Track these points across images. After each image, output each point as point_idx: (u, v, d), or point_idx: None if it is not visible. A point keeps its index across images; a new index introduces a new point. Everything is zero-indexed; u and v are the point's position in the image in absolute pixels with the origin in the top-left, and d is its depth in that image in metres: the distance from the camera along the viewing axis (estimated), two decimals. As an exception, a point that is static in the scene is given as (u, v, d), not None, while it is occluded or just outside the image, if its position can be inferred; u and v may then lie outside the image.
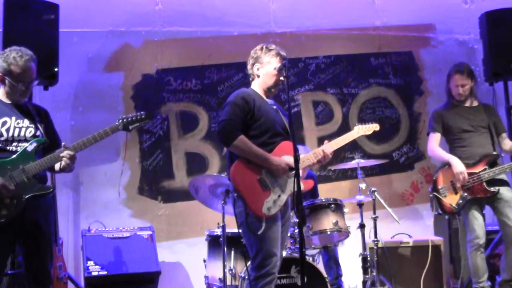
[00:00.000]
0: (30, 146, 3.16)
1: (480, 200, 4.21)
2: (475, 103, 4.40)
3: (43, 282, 3.22)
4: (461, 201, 4.22)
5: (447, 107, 4.44)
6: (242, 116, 3.29)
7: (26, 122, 3.23)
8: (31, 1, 4.61)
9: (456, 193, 4.24)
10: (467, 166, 4.21)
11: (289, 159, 3.27)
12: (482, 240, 4.17)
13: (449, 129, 4.38)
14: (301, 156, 3.38)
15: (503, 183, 4.22)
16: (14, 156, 3.12)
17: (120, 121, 3.30)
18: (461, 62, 4.56)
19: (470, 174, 4.20)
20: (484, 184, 4.16)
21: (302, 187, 3.34)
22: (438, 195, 4.28)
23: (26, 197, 3.09)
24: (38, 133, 3.23)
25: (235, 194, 3.29)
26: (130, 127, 3.32)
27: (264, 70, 3.42)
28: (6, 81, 3.20)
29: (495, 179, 4.19)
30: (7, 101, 3.25)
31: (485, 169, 4.18)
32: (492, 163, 4.21)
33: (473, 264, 4.20)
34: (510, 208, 4.13)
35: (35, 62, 3.26)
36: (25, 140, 3.19)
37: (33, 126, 3.23)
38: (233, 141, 3.23)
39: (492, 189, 4.15)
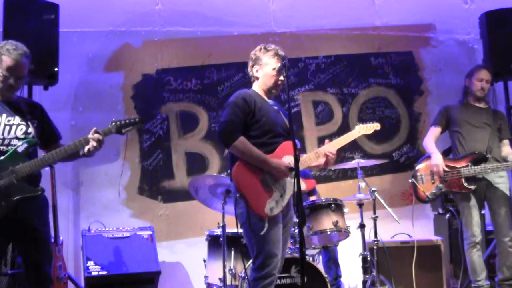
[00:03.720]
0: (21, 147, 3.12)
1: (477, 197, 4.27)
2: (486, 106, 4.49)
3: (42, 283, 3.20)
4: (434, 191, 4.37)
5: (459, 104, 4.52)
6: (243, 117, 3.27)
7: (17, 120, 3.18)
8: (31, 1, 4.61)
9: (433, 183, 4.37)
10: (451, 160, 4.33)
11: (290, 160, 3.25)
12: (478, 238, 4.24)
13: (453, 120, 4.46)
14: (302, 156, 3.38)
15: (502, 181, 4.26)
16: (3, 156, 3.08)
17: (113, 124, 3.25)
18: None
19: (451, 167, 4.29)
20: (463, 180, 4.23)
21: (304, 187, 3.36)
22: (415, 182, 4.47)
23: (15, 198, 3.06)
24: (30, 130, 3.18)
25: (238, 195, 3.25)
26: (123, 131, 3.27)
27: (263, 72, 3.40)
28: None
29: (494, 178, 4.24)
30: None
31: (467, 166, 4.24)
32: (477, 161, 4.24)
33: (470, 261, 4.27)
34: (501, 206, 4.21)
35: (29, 60, 3.20)
36: (16, 138, 3.15)
37: (25, 124, 3.19)
38: (232, 142, 3.21)
39: (467, 185, 4.22)
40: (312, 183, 3.49)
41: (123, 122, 3.28)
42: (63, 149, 3.15)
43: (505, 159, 4.30)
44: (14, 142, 3.14)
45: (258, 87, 3.46)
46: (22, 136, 3.17)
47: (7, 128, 3.15)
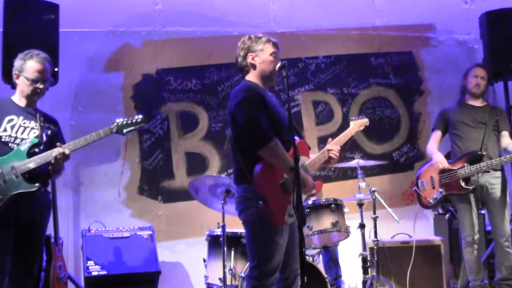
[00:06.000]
0: (24, 146, 3.20)
1: (475, 198, 4.30)
2: (484, 103, 4.48)
3: (26, 275, 3.25)
4: (435, 196, 4.41)
5: (456, 105, 4.54)
6: (263, 113, 2.99)
7: (33, 124, 3.28)
8: (31, 1, 4.60)
9: (433, 188, 4.42)
10: (449, 163, 4.36)
11: (306, 162, 3.19)
12: (473, 238, 4.29)
13: (450, 123, 4.48)
14: (313, 157, 3.30)
15: (497, 182, 4.28)
16: (7, 154, 3.17)
17: (115, 124, 3.32)
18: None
19: (449, 170, 4.33)
20: (460, 180, 4.27)
21: (315, 190, 3.30)
22: (418, 190, 4.53)
23: (12, 194, 3.11)
24: (42, 135, 3.27)
25: (260, 202, 2.96)
26: (125, 131, 3.33)
27: (260, 59, 3.16)
28: (20, 78, 3.27)
29: (490, 179, 4.26)
30: (21, 104, 3.33)
31: (463, 166, 4.27)
32: (473, 161, 4.26)
33: (467, 260, 4.33)
34: (497, 207, 4.24)
35: (50, 64, 3.34)
36: (28, 139, 3.24)
37: (39, 129, 3.28)
38: (267, 144, 2.92)
39: (465, 186, 4.26)
40: (320, 185, 3.36)
41: (124, 122, 3.32)
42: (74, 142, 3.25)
43: (505, 150, 4.30)
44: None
45: (255, 77, 3.19)
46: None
47: (21, 129, 3.25)
